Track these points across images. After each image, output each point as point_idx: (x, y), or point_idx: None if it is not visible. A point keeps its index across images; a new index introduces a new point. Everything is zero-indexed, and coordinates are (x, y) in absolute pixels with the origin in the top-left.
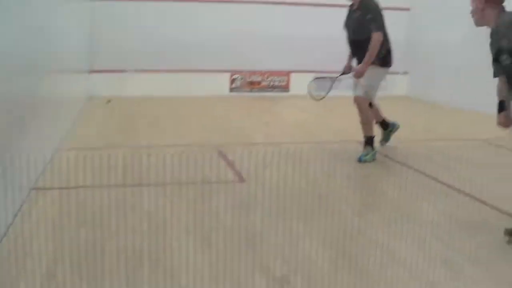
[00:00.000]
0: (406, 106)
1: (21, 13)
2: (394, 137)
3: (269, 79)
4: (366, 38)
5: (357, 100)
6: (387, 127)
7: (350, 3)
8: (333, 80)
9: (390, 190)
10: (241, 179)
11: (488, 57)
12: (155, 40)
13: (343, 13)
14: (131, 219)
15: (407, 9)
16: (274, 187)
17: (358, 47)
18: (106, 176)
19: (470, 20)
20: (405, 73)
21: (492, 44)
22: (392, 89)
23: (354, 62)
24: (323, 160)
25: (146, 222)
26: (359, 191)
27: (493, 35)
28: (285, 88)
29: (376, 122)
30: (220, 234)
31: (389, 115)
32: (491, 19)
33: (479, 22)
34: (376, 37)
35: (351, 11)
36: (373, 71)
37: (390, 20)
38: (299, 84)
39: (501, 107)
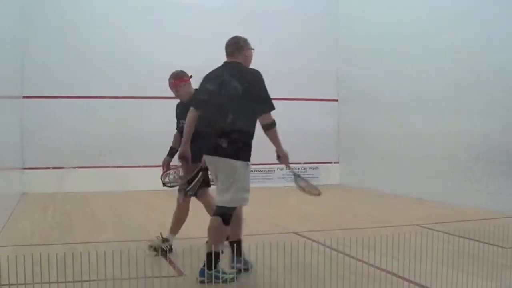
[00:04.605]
0: (340, 194)
1: None
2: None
3: None
4: None
5: None
6: None
7: None
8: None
9: (333, 280)
10: (180, 273)
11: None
12: (89, 136)
13: None
14: None
15: (335, 100)
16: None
17: None
18: (42, 273)
19: (396, 110)
20: (336, 162)
21: None
22: (327, 178)
23: None
24: (264, 252)
25: None
26: (301, 283)
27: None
28: None
29: None
30: None
31: (325, 204)
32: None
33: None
34: None
35: None
36: None
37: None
38: None
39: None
